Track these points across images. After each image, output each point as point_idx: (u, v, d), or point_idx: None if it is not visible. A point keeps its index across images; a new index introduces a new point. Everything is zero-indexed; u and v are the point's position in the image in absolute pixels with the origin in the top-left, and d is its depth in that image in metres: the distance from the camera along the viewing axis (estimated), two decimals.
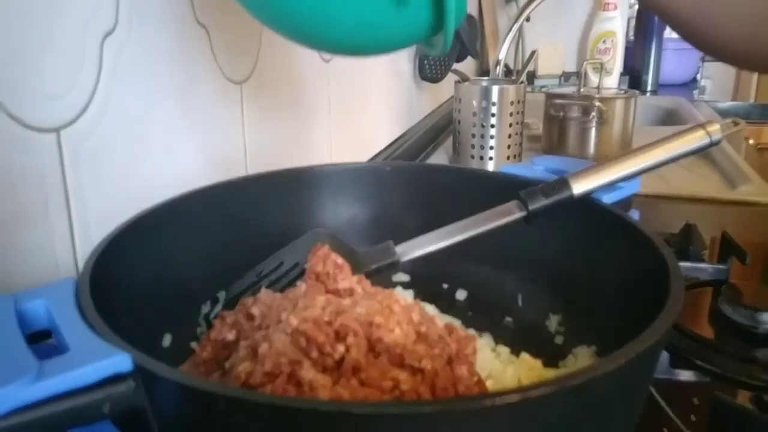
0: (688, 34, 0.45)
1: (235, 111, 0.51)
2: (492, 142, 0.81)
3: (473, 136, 0.82)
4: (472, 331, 0.37)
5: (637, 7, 1.68)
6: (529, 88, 1.18)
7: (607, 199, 0.39)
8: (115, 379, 0.21)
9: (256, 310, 0.27)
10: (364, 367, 0.23)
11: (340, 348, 0.23)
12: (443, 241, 0.37)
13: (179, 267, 0.35)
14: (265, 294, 0.29)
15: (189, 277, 0.36)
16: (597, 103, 0.89)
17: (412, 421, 0.19)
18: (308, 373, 0.22)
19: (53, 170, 0.33)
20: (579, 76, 0.95)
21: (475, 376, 0.27)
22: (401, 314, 0.26)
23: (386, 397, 0.22)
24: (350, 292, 0.30)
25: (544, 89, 1.39)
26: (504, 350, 0.36)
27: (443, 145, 1.05)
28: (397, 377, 0.23)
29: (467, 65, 1.16)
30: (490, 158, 0.82)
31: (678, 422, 0.34)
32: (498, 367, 0.34)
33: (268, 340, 0.23)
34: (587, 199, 0.38)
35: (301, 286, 0.29)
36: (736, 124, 0.42)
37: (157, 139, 0.42)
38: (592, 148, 0.91)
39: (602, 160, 0.40)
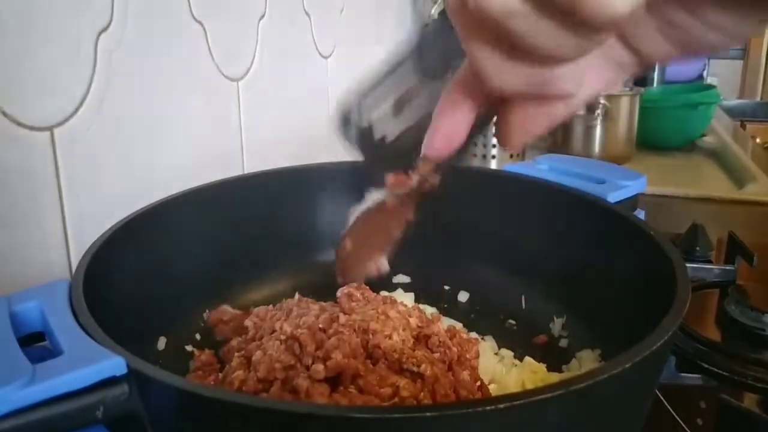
0: None
1: (232, 108, 0.50)
2: (494, 140, 0.80)
3: None
4: (474, 335, 0.37)
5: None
6: None
7: (613, 198, 0.39)
8: (109, 382, 0.20)
9: (249, 323, 0.27)
10: (363, 374, 0.22)
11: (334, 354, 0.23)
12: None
13: (174, 267, 0.35)
14: (258, 308, 0.29)
15: (184, 278, 0.35)
16: (602, 101, 0.88)
17: (412, 426, 0.18)
18: (305, 381, 0.21)
19: (47, 169, 0.33)
20: None
21: (478, 380, 0.26)
22: (398, 320, 0.25)
23: (385, 404, 0.22)
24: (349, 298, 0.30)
25: None
26: (507, 354, 0.36)
27: None
28: (397, 383, 0.22)
29: None
30: (493, 156, 0.81)
31: (684, 426, 0.34)
32: (501, 371, 0.33)
33: (262, 348, 0.23)
34: (593, 199, 0.37)
35: (295, 297, 0.29)
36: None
37: (152, 137, 0.41)
38: (597, 146, 0.90)
39: None
